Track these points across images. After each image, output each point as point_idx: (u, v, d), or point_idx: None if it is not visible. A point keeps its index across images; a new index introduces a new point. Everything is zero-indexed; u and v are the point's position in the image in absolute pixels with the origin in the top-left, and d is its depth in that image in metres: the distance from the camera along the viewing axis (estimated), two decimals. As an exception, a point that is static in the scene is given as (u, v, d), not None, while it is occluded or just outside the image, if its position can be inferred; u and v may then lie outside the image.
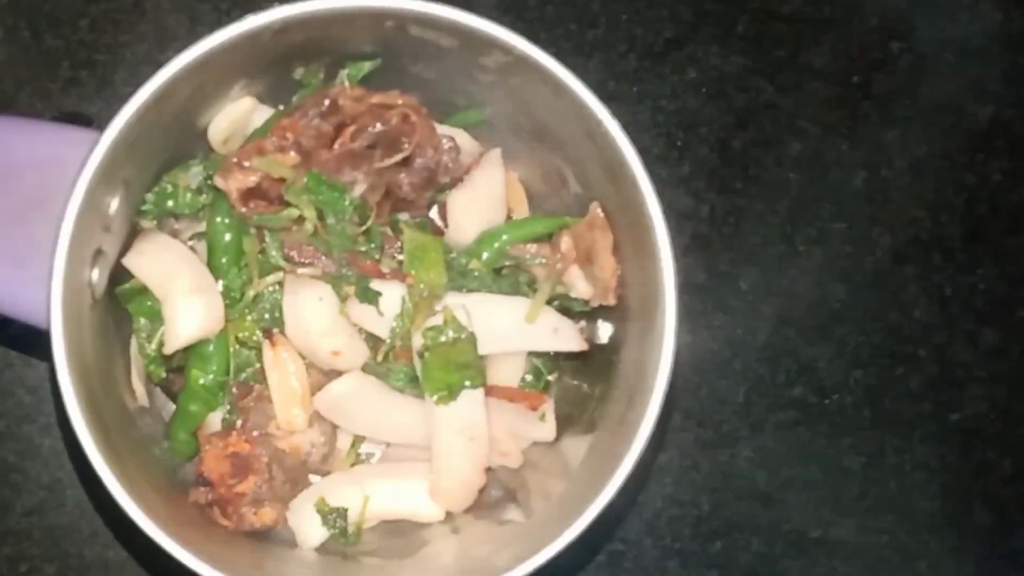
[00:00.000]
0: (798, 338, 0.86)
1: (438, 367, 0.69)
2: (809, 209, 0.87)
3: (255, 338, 0.71)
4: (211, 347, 0.71)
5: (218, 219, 0.71)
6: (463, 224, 0.74)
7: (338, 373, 0.71)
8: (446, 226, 0.75)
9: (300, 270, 0.70)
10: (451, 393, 0.69)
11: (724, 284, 0.86)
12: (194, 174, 0.72)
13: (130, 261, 0.70)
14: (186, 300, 0.69)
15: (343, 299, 0.70)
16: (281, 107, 0.73)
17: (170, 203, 0.72)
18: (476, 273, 0.72)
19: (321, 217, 0.70)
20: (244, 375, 0.72)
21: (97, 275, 0.69)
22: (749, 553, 0.84)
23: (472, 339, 0.69)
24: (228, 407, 0.72)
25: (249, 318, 0.71)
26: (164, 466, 0.72)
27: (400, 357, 0.71)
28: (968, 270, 0.88)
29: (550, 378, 0.77)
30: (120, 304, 0.71)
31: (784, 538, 0.84)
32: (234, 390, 0.72)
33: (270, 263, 0.70)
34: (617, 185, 0.68)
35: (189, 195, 0.72)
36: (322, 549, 0.72)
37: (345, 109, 0.71)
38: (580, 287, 0.73)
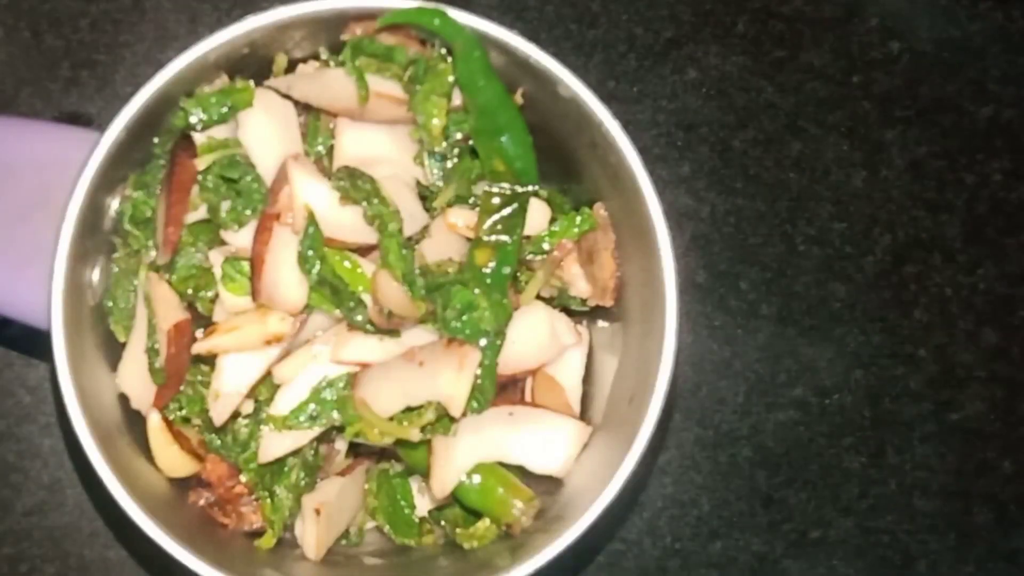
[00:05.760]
0: (798, 338, 0.86)
1: None
2: (809, 209, 0.87)
3: None
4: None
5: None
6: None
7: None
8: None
9: None
10: None
11: (724, 284, 0.86)
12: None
13: None
14: None
15: None
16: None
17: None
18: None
19: None
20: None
21: (97, 275, 0.69)
22: (749, 553, 0.84)
23: None
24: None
25: None
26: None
27: None
28: (968, 270, 0.88)
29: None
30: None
31: (784, 538, 0.84)
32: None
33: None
34: (617, 185, 0.68)
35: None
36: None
37: None
38: (579, 286, 0.73)
